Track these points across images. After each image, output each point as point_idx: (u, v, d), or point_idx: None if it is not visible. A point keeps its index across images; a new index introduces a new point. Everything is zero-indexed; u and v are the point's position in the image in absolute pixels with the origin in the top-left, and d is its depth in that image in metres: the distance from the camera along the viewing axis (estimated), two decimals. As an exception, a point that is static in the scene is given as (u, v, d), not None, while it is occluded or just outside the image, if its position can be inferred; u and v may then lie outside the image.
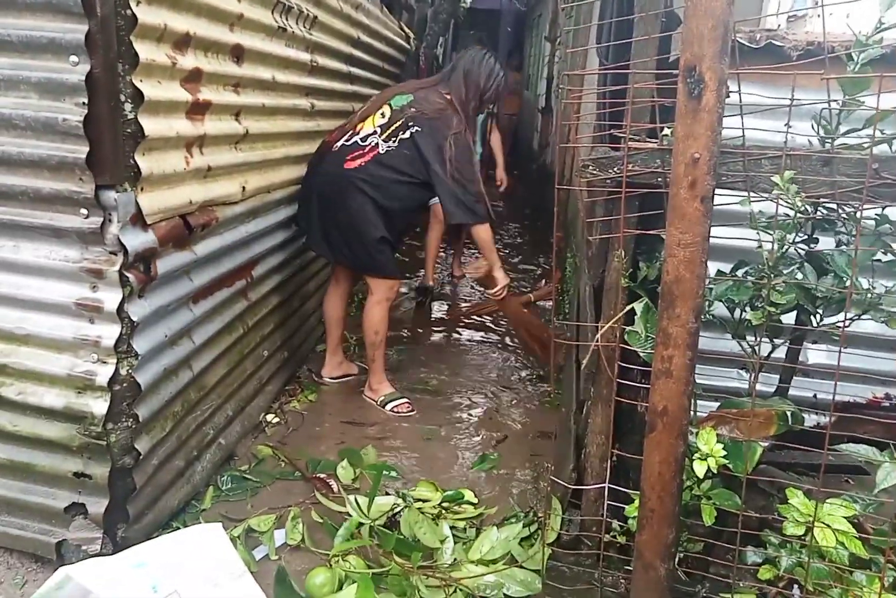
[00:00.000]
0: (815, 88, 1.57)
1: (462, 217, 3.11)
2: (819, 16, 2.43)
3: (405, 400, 3.39)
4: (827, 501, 1.67)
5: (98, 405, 1.97)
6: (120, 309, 1.94)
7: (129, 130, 1.91)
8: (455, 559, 2.20)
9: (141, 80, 1.92)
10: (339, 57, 4.08)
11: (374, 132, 3.12)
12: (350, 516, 2.32)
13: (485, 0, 13.97)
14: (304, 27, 3.31)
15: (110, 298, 1.94)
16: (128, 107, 1.90)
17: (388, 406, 3.35)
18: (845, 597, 1.67)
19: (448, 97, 3.16)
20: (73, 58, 1.80)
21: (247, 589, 1.78)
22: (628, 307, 1.91)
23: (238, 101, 2.60)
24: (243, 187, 2.68)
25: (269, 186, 3.00)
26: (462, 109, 3.15)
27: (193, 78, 2.24)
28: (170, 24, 2.02)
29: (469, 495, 2.57)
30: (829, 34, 1.58)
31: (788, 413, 1.80)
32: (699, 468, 1.69)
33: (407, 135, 3.07)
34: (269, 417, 3.13)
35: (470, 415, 3.40)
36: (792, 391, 2.09)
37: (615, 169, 1.79)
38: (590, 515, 2.10)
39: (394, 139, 3.08)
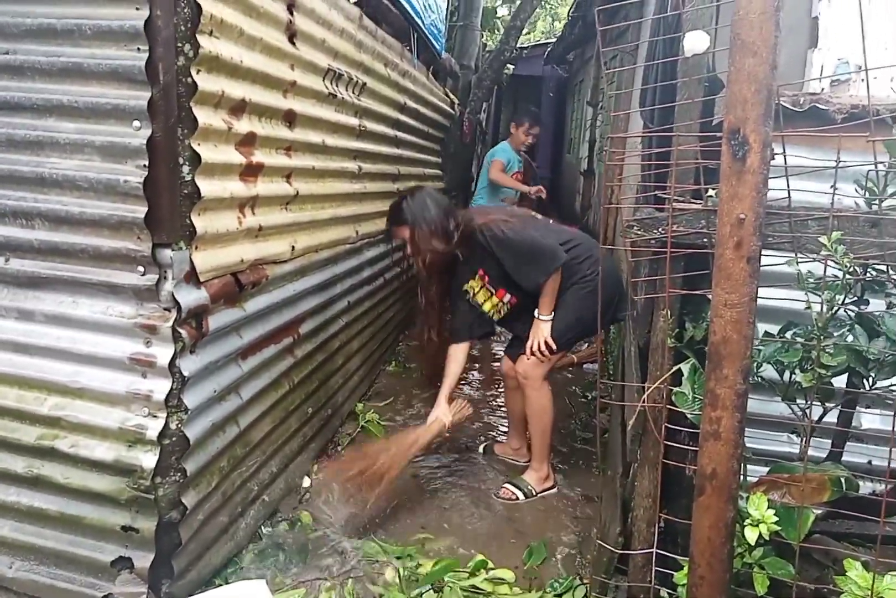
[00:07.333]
0: (860, 151, 1.57)
1: None
2: (863, 80, 2.47)
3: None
4: (888, 573, 1.60)
5: (147, 459, 1.99)
6: (172, 364, 1.99)
7: (186, 191, 1.99)
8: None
9: (199, 144, 2.01)
10: (386, 122, 4.20)
11: None
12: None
13: (527, 67, 14.31)
14: (354, 93, 3.43)
15: (163, 353, 1.98)
16: (185, 169, 1.99)
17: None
18: (907, 676, 1.57)
19: None
20: (136, 123, 1.89)
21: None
22: (675, 368, 1.89)
23: (289, 163, 2.69)
24: (292, 247, 2.75)
25: (318, 245, 3.07)
26: None
27: (248, 142, 2.33)
28: (227, 91, 2.12)
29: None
30: (874, 98, 1.59)
31: (842, 479, 1.74)
32: (751, 535, 1.63)
33: None
34: (306, 481, 3.06)
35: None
36: (845, 457, 2.03)
37: (660, 229, 1.80)
38: (637, 581, 2.03)
39: None
